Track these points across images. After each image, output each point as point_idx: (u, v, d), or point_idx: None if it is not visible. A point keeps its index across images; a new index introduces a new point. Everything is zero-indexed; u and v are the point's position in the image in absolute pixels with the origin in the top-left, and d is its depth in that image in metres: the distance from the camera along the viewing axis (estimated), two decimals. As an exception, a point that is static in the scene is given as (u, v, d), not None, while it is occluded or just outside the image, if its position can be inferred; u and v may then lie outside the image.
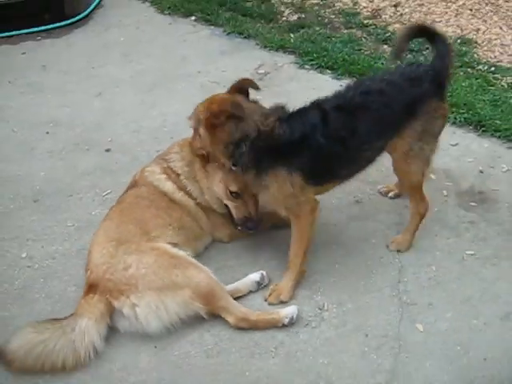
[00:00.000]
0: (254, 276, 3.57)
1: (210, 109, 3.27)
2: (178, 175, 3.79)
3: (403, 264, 3.69)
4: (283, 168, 3.25)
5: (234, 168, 3.37)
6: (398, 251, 3.76)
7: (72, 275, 3.70)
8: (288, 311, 3.36)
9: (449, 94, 4.80)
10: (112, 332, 3.35)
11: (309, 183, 3.33)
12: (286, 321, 3.33)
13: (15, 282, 3.72)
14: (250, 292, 3.57)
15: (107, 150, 4.82)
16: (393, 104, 3.35)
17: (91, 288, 3.36)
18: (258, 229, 3.74)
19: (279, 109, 3.37)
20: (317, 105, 3.39)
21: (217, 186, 3.68)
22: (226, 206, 3.74)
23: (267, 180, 3.28)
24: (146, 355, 3.26)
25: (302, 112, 3.36)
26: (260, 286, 3.57)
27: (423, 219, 3.75)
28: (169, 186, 3.77)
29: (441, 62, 3.46)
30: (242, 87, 3.44)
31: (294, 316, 3.34)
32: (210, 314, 3.35)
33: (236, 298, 3.48)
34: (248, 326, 3.33)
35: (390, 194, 4.17)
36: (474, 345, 3.20)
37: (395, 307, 3.43)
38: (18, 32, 6.66)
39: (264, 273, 3.59)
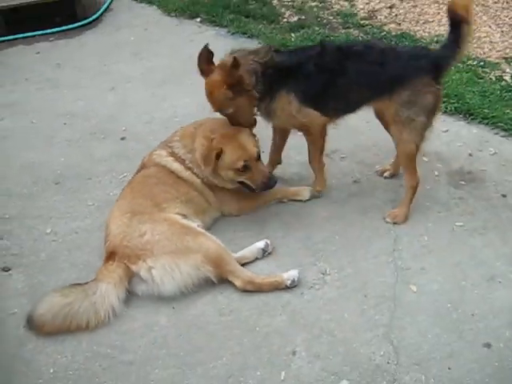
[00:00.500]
0: (260, 244, 3.91)
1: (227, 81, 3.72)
2: (184, 160, 4.14)
3: (398, 234, 4.02)
4: (284, 90, 3.79)
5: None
6: (395, 223, 4.11)
7: (94, 247, 4.01)
8: (290, 274, 3.69)
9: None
10: (133, 297, 3.68)
11: (304, 105, 3.82)
12: (289, 283, 3.66)
13: (41, 254, 4.05)
14: (256, 259, 3.90)
15: (122, 139, 5.18)
16: (386, 65, 3.78)
17: (110, 256, 3.70)
18: (277, 181, 4.13)
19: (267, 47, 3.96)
20: (321, 42, 4.00)
21: (225, 173, 4.02)
22: (240, 182, 4.09)
23: (275, 103, 3.82)
24: (164, 315, 3.58)
25: (308, 47, 4.16)
26: (265, 253, 3.90)
27: (416, 192, 4.10)
28: (176, 166, 4.12)
29: (447, 50, 3.82)
30: (207, 57, 3.93)
31: (296, 279, 3.67)
32: (219, 278, 3.68)
33: (243, 265, 3.82)
34: (254, 289, 3.66)
35: (386, 174, 4.51)
36: (462, 303, 3.53)
37: (391, 271, 3.76)
38: (32, 34, 7.04)
39: (268, 241, 3.93)
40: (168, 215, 3.82)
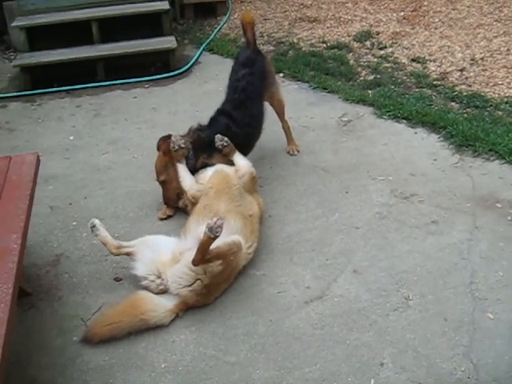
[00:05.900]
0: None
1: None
2: None
3: (475, 269, 4.36)
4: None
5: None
6: None
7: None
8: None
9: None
10: (233, 308, 4.14)
11: None
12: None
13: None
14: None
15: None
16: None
17: None
18: None
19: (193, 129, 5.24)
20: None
21: None
22: None
23: (214, 159, 5.07)
24: (262, 325, 3.99)
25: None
26: None
27: None
28: None
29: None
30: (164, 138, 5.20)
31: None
32: None
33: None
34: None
35: None
36: (537, 331, 3.86)
37: (469, 300, 4.10)
38: (130, 80, 7.77)
39: None
40: None
